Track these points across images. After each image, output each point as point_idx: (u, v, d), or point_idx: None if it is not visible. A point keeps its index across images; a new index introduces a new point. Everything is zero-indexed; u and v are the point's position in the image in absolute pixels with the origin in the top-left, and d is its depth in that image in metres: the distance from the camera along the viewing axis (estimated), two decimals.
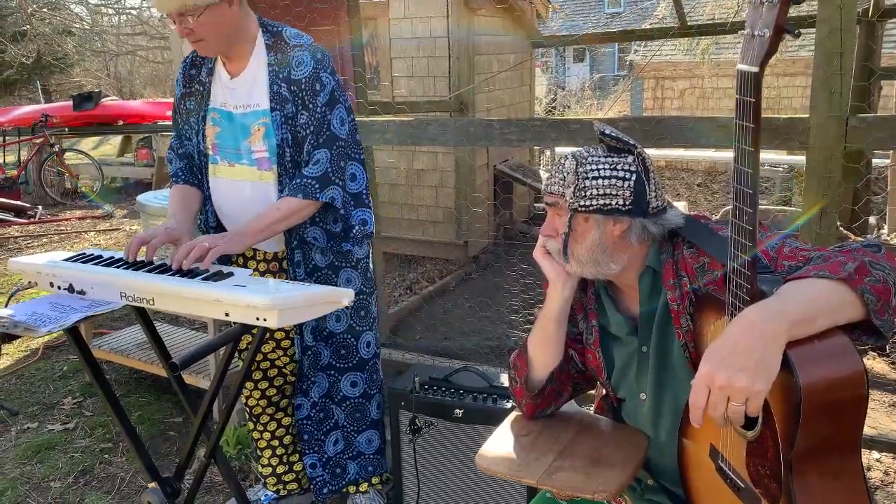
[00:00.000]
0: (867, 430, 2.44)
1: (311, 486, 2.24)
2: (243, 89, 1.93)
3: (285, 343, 2.21)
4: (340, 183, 1.92)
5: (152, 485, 1.72)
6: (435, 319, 4.30)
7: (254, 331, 1.63)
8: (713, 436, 1.16)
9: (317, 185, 1.87)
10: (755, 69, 0.94)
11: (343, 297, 1.67)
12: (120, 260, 1.78)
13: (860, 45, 5.01)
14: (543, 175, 6.72)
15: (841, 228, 4.98)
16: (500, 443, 1.42)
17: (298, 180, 1.88)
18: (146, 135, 8.81)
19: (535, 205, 6.80)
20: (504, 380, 2.19)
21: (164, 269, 1.70)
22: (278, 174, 1.92)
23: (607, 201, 1.26)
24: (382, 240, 4.68)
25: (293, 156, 1.92)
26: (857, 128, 1.87)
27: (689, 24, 5.40)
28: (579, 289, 1.42)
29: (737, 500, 1.12)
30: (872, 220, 6.09)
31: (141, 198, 3.62)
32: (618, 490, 1.26)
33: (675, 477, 1.32)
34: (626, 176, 1.26)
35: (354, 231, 2.03)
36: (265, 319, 1.48)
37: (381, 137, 2.62)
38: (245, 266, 2.11)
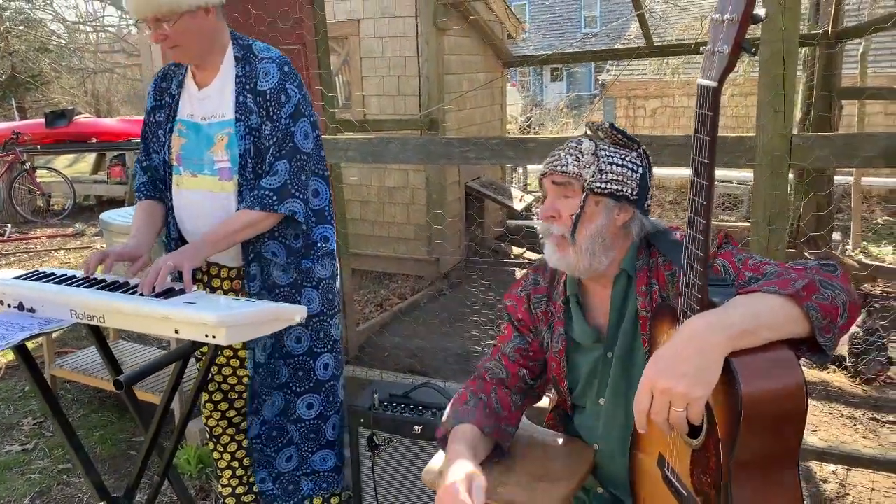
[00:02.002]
0: (822, 443, 2.48)
1: (262, 502, 2.21)
2: (210, 100, 1.92)
3: (234, 363, 2.18)
4: (302, 196, 1.90)
5: None
6: (404, 336, 4.29)
7: (204, 349, 1.62)
8: (662, 445, 1.18)
9: (274, 197, 1.85)
10: (714, 84, 0.97)
11: (296, 313, 1.66)
12: (73, 278, 1.77)
13: (820, 65, 5.13)
14: (515, 193, 6.77)
15: (799, 245, 5.08)
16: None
17: (256, 192, 1.86)
18: (120, 152, 8.74)
19: (508, 221, 6.84)
20: None
21: (116, 287, 1.69)
22: (239, 185, 1.90)
23: (620, 187, 1.29)
24: (353, 257, 4.67)
25: (255, 167, 1.90)
26: (800, 146, 1.91)
27: (655, 44, 5.50)
28: (544, 299, 1.44)
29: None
30: (837, 235, 6.21)
31: (104, 216, 3.59)
32: (561, 503, 1.27)
33: (624, 485, 1.33)
34: (635, 168, 1.30)
35: (316, 248, 2.02)
36: (214, 336, 1.48)
37: (344, 155, 2.63)
38: (210, 283, 2.10)
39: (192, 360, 2.22)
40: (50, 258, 6.50)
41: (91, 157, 9.94)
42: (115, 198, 8.72)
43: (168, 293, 1.65)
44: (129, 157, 8.45)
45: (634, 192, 1.30)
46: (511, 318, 1.50)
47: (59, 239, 7.28)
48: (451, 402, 1.44)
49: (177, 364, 1.63)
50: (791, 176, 5.90)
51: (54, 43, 15.50)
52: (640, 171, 1.31)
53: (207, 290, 2.08)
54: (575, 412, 1.47)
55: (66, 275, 1.79)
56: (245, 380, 2.20)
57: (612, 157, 1.30)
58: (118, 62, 16.68)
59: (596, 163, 1.28)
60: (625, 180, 1.29)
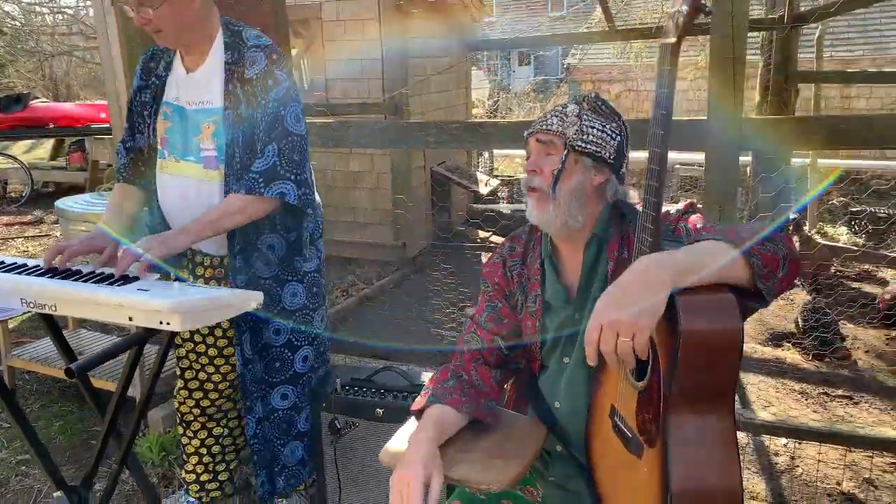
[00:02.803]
0: (773, 417, 2.56)
1: (258, 502, 2.20)
2: (198, 85, 1.89)
3: (218, 361, 2.18)
4: (293, 177, 1.85)
5: (58, 494, 1.68)
6: (369, 320, 4.29)
7: (161, 335, 1.61)
8: (614, 396, 1.25)
9: (260, 180, 1.81)
10: (672, 40, 1.07)
11: (251, 300, 1.65)
12: (25, 266, 1.73)
13: (777, 49, 5.21)
14: (481, 177, 6.78)
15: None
16: (404, 439, 1.43)
17: (245, 176, 1.83)
18: (79, 138, 8.52)
19: (474, 205, 6.85)
20: (425, 378, 2.19)
21: (69, 275, 1.66)
22: (225, 176, 1.87)
23: (599, 149, 1.37)
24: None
25: (243, 157, 1.86)
26: (752, 130, 1.95)
27: (617, 27, 5.53)
28: (519, 263, 1.51)
29: (625, 451, 1.19)
30: (793, 215, 6.34)
31: (60, 203, 3.51)
32: (512, 481, 1.30)
33: (581, 443, 1.38)
34: (613, 136, 1.39)
35: (303, 241, 2.01)
36: (168, 323, 1.46)
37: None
38: (194, 271, 2.07)
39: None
40: (7, 247, 6.34)
41: (49, 143, 9.69)
42: (74, 184, 8.53)
43: (124, 280, 1.62)
44: (90, 143, 8.24)
45: (612, 157, 1.38)
46: (487, 284, 1.56)
47: (16, 227, 7.10)
48: (431, 378, 1.50)
49: (131, 351, 1.61)
50: (749, 157, 6.01)
51: (9, 25, 15.01)
52: (619, 139, 1.40)
53: (191, 277, 2.06)
54: (540, 371, 1.52)
55: (15, 263, 1.75)
56: (224, 370, 2.19)
57: (594, 122, 1.38)
58: (76, 45, 16.22)
59: (578, 123, 1.37)
60: (604, 144, 1.38)
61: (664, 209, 1.43)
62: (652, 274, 1.06)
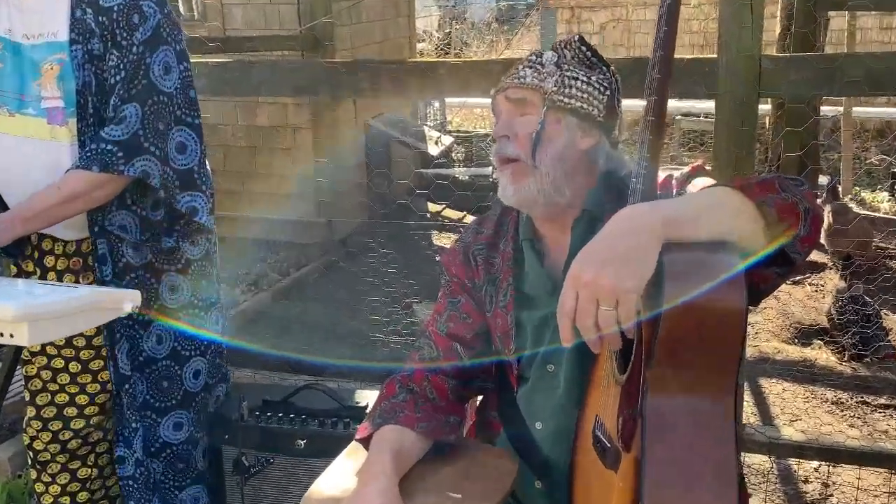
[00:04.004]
0: (802, 436, 2.63)
1: None
2: (36, 12, 1.86)
3: (83, 378, 2.11)
4: (158, 152, 1.87)
5: None
6: (286, 323, 4.28)
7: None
8: (599, 404, 1.27)
9: (120, 154, 1.81)
10: None
11: (125, 299, 1.66)
12: None
13: None
14: (430, 134, 6.77)
15: None
16: (335, 479, 1.44)
17: (94, 146, 1.82)
18: None
19: (421, 171, 6.84)
20: (362, 397, 2.22)
21: None
22: (79, 132, 1.86)
23: (585, 105, 1.40)
24: (217, 221, 4.56)
25: (98, 107, 1.85)
26: (771, 69, 1.98)
27: None
28: (485, 248, 1.56)
29: (602, 468, 1.21)
30: (824, 179, 6.50)
31: None
32: None
33: (563, 474, 1.40)
34: (602, 90, 1.43)
35: (183, 221, 2.00)
36: (12, 336, 1.45)
37: (194, 85, 2.56)
38: (41, 261, 2.02)
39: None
40: None
41: None
42: None
43: None
44: None
45: (601, 115, 1.42)
46: (446, 276, 1.61)
47: None
48: (378, 395, 1.54)
49: None
50: (769, 105, 6.13)
51: None
52: (608, 93, 1.43)
53: (38, 271, 2.02)
54: (519, 385, 1.54)
55: None
56: (92, 389, 2.13)
57: (577, 72, 1.42)
58: None
59: (558, 74, 1.40)
60: (590, 99, 1.41)
61: (666, 173, 1.45)
62: (634, 221, 1.08)
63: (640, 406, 1.08)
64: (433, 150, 6.53)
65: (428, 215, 6.26)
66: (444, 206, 6.31)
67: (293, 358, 3.30)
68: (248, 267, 5.22)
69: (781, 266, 1.15)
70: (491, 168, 1.60)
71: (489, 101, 1.51)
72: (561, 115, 1.40)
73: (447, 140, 7.15)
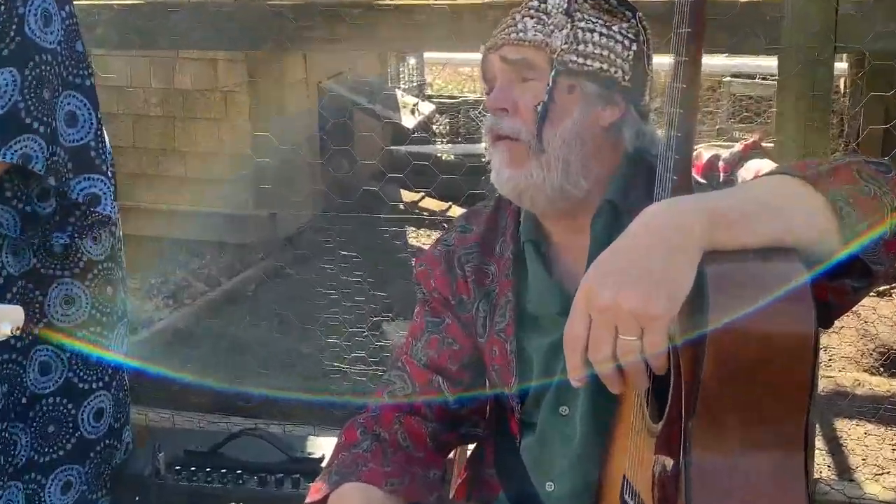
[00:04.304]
0: (890, 493, 2.63)
1: None
2: None
3: None
4: (44, 129, 1.88)
5: None
6: (217, 347, 4.27)
7: None
8: (625, 460, 1.26)
9: None
10: None
11: (3, 319, 1.62)
12: None
13: None
14: (404, 100, 6.75)
15: None
16: None
17: None
18: None
19: (393, 148, 6.83)
20: (315, 446, 2.25)
21: None
22: None
23: (605, 66, 1.40)
24: (123, 214, 4.52)
25: None
26: (852, 17, 1.97)
27: None
28: (477, 252, 1.56)
29: None
30: None
31: None
32: None
33: None
34: (627, 44, 1.42)
35: (78, 213, 2.01)
36: None
37: (91, 37, 2.53)
38: None
39: None
40: None
41: None
42: None
43: None
44: None
45: (626, 78, 1.41)
46: (423, 291, 1.61)
47: None
48: (336, 444, 1.55)
49: None
50: (844, 64, 6.14)
51: None
52: (635, 47, 1.42)
53: None
54: (523, 434, 1.53)
55: None
56: None
57: (594, 23, 1.41)
58: None
59: (569, 26, 1.39)
60: (612, 57, 1.40)
61: (710, 152, 1.44)
62: (671, 224, 1.04)
63: (681, 464, 1.06)
64: (408, 122, 6.54)
65: (402, 206, 6.27)
66: (422, 194, 6.31)
67: (225, 392, 3.29)
68: (164, 274, 5.21)
69: (859, 278, 1.13)
70: (483, 144, 1.58)
71: (480, 57, 1.49)
72: (575, 80, 1.39)
73: (426, 108, 7.16)
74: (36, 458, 2.07)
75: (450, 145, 7.38)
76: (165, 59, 5.41)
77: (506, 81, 1.42)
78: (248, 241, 5.53)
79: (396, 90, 7.05)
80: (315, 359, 4.15)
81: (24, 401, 2.03)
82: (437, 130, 7.76)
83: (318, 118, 5.98)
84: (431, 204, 6.27)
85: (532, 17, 1.41)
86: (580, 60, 1.38)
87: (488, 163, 1.47)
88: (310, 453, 2.18)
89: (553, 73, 1.37)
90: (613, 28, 1.41)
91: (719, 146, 1.46)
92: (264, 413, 3.25)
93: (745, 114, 8.13)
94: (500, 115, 1.41)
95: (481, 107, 1.69)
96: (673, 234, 1.02)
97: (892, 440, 3.47)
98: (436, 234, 5.70)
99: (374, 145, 6.68)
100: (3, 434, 2.01)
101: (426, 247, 5.30)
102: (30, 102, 1.86)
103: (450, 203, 6.14)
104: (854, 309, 1.73)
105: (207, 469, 2.17)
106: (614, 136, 1.42)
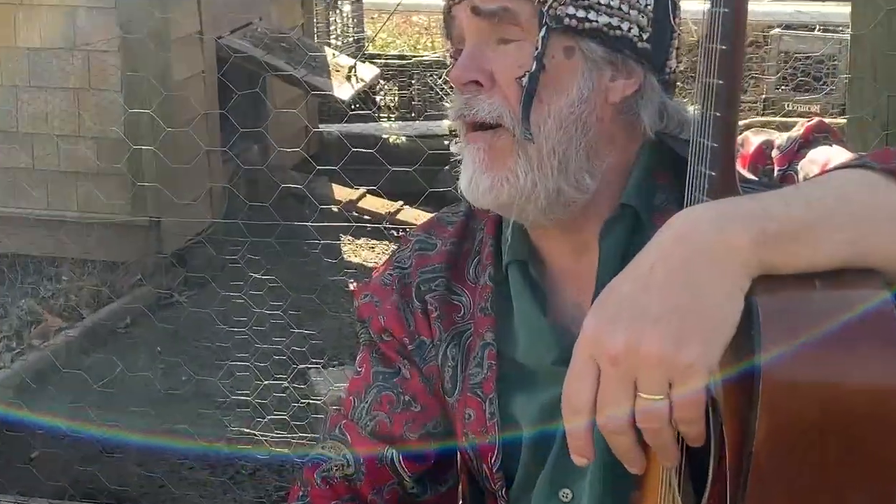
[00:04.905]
0: None
1: None
2: None
3: None
4: None
5: None
6: (78, 404, 4.25)
7: None
8: None
9: None
10: None
11: None
12: None
13: None
14: (335, 61, 6.77)
15: None
16: None
17: None
18: None
19: (322, 128, 6.86)
20: None
21: None
22: None
23: (614, 20, 1.39)
24: None
25: None
26: None
27: None
28: (444, 277, 1.56)
29: None
30: None
31: None
32: None
33: None
34: None
35: None
36: None
37: None
38: None
39: None
40: None
41: None
42: None
43: None
44: None
45: (644, 36, 1.41)
46: (368, 332, 1.61)
47: None
48: None
49: None
50: None
51: None
52: None
53: None
54: None
55: None
56: None
57: None
58: None
59: None
60: (625, 8, 1.40)
61: (759, 138, 1.44)
62: (708, 243, 1.03)
63: None
64: (343, 92, 6.54)
65: (336, 209, 6.26)
66: (363, 191, 6.33)
67: (90, 470, 3.28)
68: (7, 305, 5.19)
69: None
70: (447, 132, 1.56)
71: (440, 6, 1.49)
72: (574, 40, 1.39)
73: (367, 72, 7.16)
74: None
75: (400, 123, 7.41)
76: (4, 7, 5.42)
77: (478, 43, 1.41)
78: (122, 259, 5.54)
79: (325, 48, 7.07)
80: (215, 422, 4.14)
81: None
82: (383, 103, 7.80)
83: (217, 88, 5.98)
84: (376, 204, 6.30)
85: None
86: (579, 14, 1.36)
87: (460, 161, 1.46)
88: None
89: (543, 31, 1.36)
90: None
91: (770, 129, 1.46)
92: (137, 495, 3.26)
93: (801, 78, 8.12)
94: (471, 92, 1.40)
95: (445, 72, 1.68)
96: (711, 253, 1.01)
97: None
98: (382, 248, 5.73)
99: (296, 125, 6.70)
100: None
101: (370, 264, 5.39)
102: None
103: (401, 203, 6.17)
104: None
105: None
106: (629, 116, 1.42)
